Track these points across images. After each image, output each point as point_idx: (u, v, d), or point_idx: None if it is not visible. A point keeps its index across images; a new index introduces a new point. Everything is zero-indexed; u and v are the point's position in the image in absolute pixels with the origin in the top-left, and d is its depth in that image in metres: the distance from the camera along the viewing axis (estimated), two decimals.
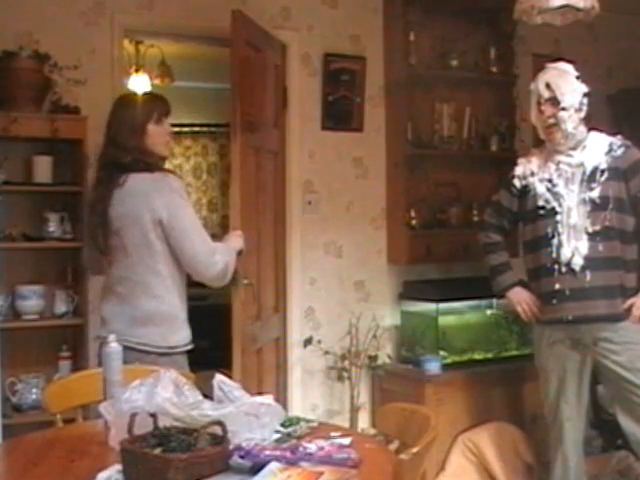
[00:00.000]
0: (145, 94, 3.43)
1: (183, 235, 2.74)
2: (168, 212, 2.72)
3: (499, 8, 4.29)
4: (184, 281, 2.88)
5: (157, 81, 5.93)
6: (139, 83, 5.86)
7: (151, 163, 2.82)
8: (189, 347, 2.87)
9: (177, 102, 6.67)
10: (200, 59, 5.55)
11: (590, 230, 3.17)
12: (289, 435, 1.89)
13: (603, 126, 3.40)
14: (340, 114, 4.38)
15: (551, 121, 3.21)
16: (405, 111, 4.34)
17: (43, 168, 3.60)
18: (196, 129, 7.39)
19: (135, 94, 3.55)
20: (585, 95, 3.23)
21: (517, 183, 3.38)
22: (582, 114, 3.23)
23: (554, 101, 3.20)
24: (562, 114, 3.18)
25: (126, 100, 3.01)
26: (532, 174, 3.33)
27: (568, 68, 3.26)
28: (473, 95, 4.62)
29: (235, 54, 3.48)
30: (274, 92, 4.08)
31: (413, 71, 4.36)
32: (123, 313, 2.79)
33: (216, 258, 2.79)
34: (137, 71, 5.81)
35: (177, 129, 7.31)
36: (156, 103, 2.92)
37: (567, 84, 3.20)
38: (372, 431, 4.03)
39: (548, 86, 3.20)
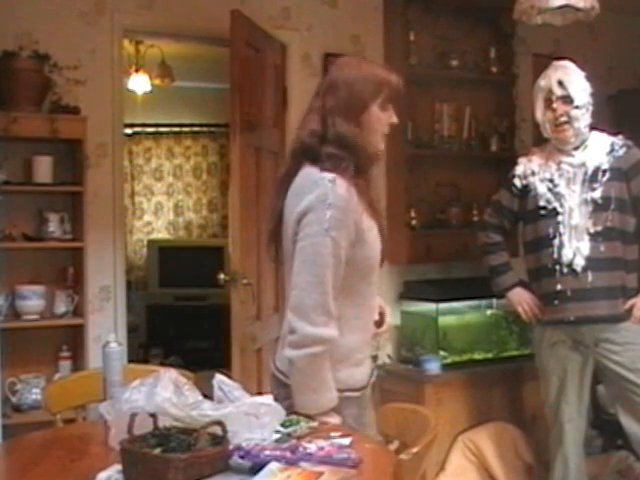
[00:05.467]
0: None
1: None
2: None
3: (499, 8, 4.29)
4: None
5: (157, 81, 5.94)
6: (139, 83, 5.87)
7: None
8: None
9: (177, 102, 6.82)
10: (200, 59, 5.55)
11: (592, 231, 3.17)
12: (289, 435, 1.88)
13: (604, 126, 3.39)
14: None
15: (563, 119, 3.19)
16: (405, 111, 4.34)
17: (43, 168, 3.60)
18: (196, 129, 7.39)
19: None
20: (591, 94, 3.23)
21: (517, 183, 3.37)
22: (589, 113, 3.23)
23: (567, 99, 3.18)
24: (575, 112, 3.17)
25: None
26: (533, 174, 3.32)
27: (575, 67, 3.26)
28: (473, 95, 4.61)
29: (235, 54, 3.49)
30: (274, 92, 4.08)
31: (413, 71, 4.36)
32: None
33: (313, 326, 2.02)
34: (137, 71, 5.82)
35: (177, 129, 7.34)
36: None
37: (579, 82, 3.20)
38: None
39: (561, 84, 3.19)
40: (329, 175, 2.03)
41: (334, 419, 2.06)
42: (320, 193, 2.02)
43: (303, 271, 2.04)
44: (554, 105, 3.20)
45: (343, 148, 2.07)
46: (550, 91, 3.20)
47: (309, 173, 2.08)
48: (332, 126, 2.09)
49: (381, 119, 2.17)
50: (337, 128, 2.08)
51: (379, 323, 2.29)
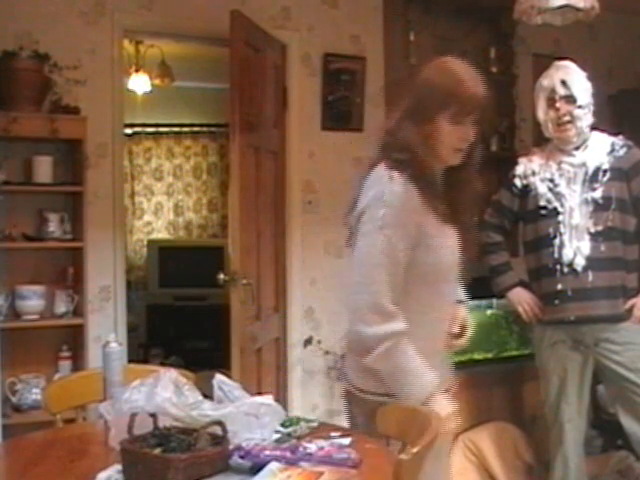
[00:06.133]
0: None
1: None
2: None
3: (499, 8, 4.29)
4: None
5: (157, 81, 5.94)
6: (139, 83, 5.87)
7: None
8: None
9: (177, 102, 6.82)
10: (200, 59, 5.55)
11: (592, 230, 3.17)
12: (289, 435, 1.89)
13: (604, 126, 3.39)
14: (340, 114, 4.38)
15: (566, 118, 3.19)
16: None
17: (43, 168, 3.60)
18: (196, 129, 7.39)
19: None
20: (591, 95, 3.23)
21: (518, 182, 3.37)
22: (591, 113, 3.23)
23: (570, 98, 3.18)
24: (578, 112, 3.17)
25: None
26: (533, 174, 3.32)
27: (577, 67, 3.26)
28: None
29: (234, 54, 3.49)
30: (274, 92, 4.08)
31: (413, 71, 4.36)
32: None
33: (370, 326, 1.97)
34: (137, 71, 5.81)
35: (177, 129, 7.34)
36: None
37: (581, 82, 3.20)
38: None
39: (564, 83, 3.19)
40: (389, 172, 1.98)
41: (442, 406, 1.97)
42: (378, 191, 1.98)
43: (354, 272, 2.00)
44: (557, 104, 3.19)
45: (406, 151, 2.01)
46: (553, 90, 3.20)
47: (378, 170, 2.03)
48: (402, 128, 2.04)
49: (451, 133, 2.03)
50: (403, 131, 2.03)
51: (458, 336, 2.20)
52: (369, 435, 1.97)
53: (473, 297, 4.21)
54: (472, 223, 2.20)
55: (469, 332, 2.23)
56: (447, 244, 2.06)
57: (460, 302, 2.27)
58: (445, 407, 1.99)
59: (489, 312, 4.39)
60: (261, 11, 4.03)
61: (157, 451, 1.67)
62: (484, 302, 4.35)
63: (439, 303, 2.12)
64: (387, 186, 1.96)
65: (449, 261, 2.09)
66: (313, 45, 4.32)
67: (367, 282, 1.96)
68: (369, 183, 2.03)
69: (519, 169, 3.38)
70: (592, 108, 3.22)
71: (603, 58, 4.96)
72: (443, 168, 2.08)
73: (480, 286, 3.77)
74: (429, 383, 1.99)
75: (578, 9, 3.18)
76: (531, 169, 3.33)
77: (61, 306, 3.68)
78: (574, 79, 3.19)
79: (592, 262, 3.16)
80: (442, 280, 2.09)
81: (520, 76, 4.61)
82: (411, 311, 2.02)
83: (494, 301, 4.30)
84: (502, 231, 3.50)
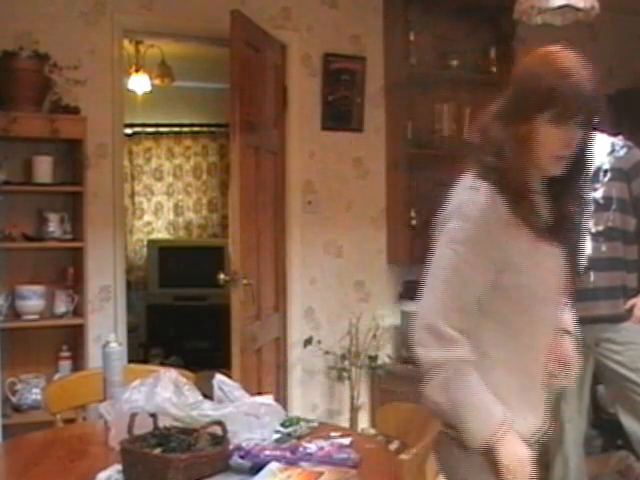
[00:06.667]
0: None
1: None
2: None
3: (499, 8, 4.29)
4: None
5: (157, 81, 5.93)
6: (139, 83, 5.87)
7: None
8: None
9: (177, 102, 6.82)
10: (200, 59, 5.55)
11: (593, 230, 3.17)
12: (289, 435, 1.89)
13: (603, 126, 3.39)
14: (340, 114, 4.38)
15: None
16: (405, 111, 4.34)
17: (43, 168, 3.60)
18: (196, 129, 7.39)
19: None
20: None
21: None
22: None
23: None
24: None
25: None
26: None
27: None
28: (473, 95, 4.61)
29: (235, 54, 3.49)
30: (274, 92, 4.08)
31: (413, 71, 4.36)
32: None
33: (426, 348, 1.71)
34: (137, 71, 5.81)
35: (177, 129, 7.34)
36: None
37: None
38: (372, 431, 4.02)
39: None
40: (475, 181, 1.73)
41: (510, 451, 1.67)
42: (458, 201, 1.77)
43: (423, 288, 1.77)
44: None
45: (496, 155, 1.73)
46: None
47: (465, 177, 1.79)
48: (493, 127, 1.77)
49: (552, 137, 1.70)
50: (494, 131, 1.76)
51: (557, 374, 1.89)
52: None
53: None
54: (580, 242, 1.88)
55: (573, 371, 1.90)
56: (546, 265, 1.77)
57: (565, 332, 1.97)
58: (514, 453, 1.69)
59: None
60: (261, 11, 4.04)
61: (157, 451, 1.67)
62: None
63: (535, 332, 1.81)
64: (468, 197, 1.73)
65: (548, 284, 1.79)
66: (313, 45, 4.32)
67: (427, 298, 1.74)
68: (455, 191, 1.80)
69: None
70: None
71: (603, 58, 4.94)
72: (543, 177, 1.78)
73: None
74: (495, 420, 1.68)
75: (578, 9, 3.18)
76: None
77: (61, 306, 3.68)
78: None
79: (593, 262, 3.15)
80: (533, 305, 1.78)
81: None
82: (503, 337, 1.77)
83: None
84: None
